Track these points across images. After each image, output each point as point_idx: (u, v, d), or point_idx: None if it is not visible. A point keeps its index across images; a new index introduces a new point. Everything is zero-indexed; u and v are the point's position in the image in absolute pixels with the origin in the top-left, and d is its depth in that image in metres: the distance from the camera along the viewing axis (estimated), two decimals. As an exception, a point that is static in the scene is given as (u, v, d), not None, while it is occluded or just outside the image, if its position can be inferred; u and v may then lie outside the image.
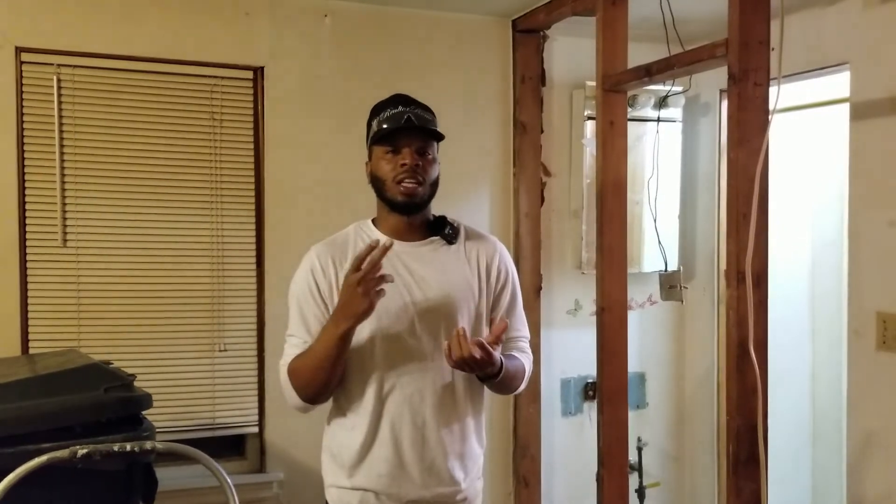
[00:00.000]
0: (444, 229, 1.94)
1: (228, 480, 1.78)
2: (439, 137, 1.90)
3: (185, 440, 2.51)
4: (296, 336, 1.89)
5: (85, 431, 2.07)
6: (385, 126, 1.86)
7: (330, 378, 1.82)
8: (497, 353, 1.78)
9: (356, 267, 1.69)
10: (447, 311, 1.87)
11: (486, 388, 1.96)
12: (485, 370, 1.79)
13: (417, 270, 1.89)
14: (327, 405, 1.95)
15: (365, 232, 1.95)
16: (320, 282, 1.88)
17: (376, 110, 1.92)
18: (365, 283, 1.69)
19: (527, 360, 2.00)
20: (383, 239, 1.83)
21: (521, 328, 2.03)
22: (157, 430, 2.25)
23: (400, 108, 1.87)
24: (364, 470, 1.87)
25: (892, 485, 2.70)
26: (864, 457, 2.79)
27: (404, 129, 1.84)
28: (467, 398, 1.92)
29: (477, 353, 1.70)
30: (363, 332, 1.84)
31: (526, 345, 2.03)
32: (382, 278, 1.70)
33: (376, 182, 1.90)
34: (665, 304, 3.67)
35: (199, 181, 3.02)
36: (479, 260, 1.96)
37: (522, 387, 2.01)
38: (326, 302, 1.88)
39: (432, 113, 1.93)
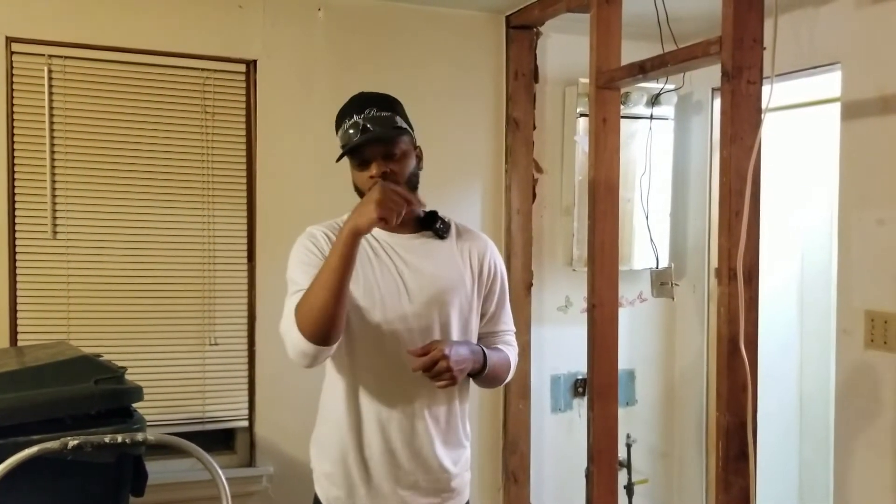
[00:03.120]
0: (435, 224, 1.95)
1: (220, 473, 1.77)
2: (402, 133, 1.86)
3: (175, 434, 2.48)
4: (302, 288, 1.78)
5: (75, 423, 2.06)
6: (344, 143, 1.85)
7: (338, 303, 1.69)
8: (464, 358, 1.82)
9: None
10: (440, 301, 1.88)
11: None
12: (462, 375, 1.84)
13: (411, 261, 1.90)
14: (317, 398, 1.95)
15: None
16: (321, 247, 1.85)
17: (339, 119, 1.90)
18: (394, 196, 1.69)
19: (512, 352, 2.05)
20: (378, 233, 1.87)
21: (508, 322, 2.08)
22: (147, 423, 2.24)
23: (355, 118, 1.84)
24: (354, 458, 1.88)
25: (878, 482, 2.72)
26: (851, 454, 2.81)
27: (362, 144, 1.82)
28: (456, 389, 1.93)
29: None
30: (355, 318, 1.85)
31: (512, 338, 2.08)
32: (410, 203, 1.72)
33: (357, 191, 1.90)
34: (655, 301, 3.68)
35: (190, 175, 3.01)
36: (472, 256, 1.97)
37: (508, 378, 2.06)
38: None
39: (392, 106, 1.88)
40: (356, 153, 1.84)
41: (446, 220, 1.98)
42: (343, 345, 1.84)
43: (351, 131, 1.83)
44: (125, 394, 2.20)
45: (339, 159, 1.87)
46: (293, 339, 1.74)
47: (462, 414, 1.98)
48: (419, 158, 1.94)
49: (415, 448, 1.88)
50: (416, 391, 1.87)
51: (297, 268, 1.85)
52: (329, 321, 1.70)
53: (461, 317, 1.92)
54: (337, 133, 1.90)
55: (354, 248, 1.69)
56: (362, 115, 1.83)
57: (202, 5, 2.98)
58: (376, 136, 1.82)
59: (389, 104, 1.89)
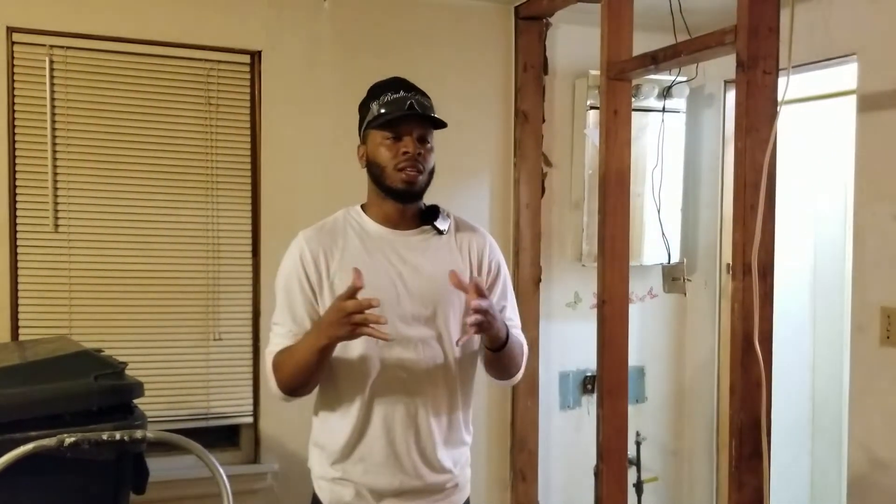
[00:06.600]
0: (435, 219, 1.91)
1: (220, 470, 1.74)
2: (442, 126, 1.86)
3: (179, 430, 2.47)
4: (282, 325, 1.87)
5: (74, 420, 2.03)
6: (385, 111, 1.82)
7: (310, 379, 1.80)
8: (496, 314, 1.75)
9: (350, 294, 1.64)
10: (439, 300, 1.84)
11: (475, 377, 1.95)
12: (492, 329, 1.75)
13: (410, 259, 1.86)
14: (313, 396, 1.91)
15: (354, 218, 1.92)
16: (310, 272, 1.84)
17: (375, 93, 1.87)
18: (353, 316, 1.63)
19: (523, 343, 1.98)
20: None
21: (514, 319, 2.01)
22: (151, 419, 2.22)
23: (402, 93, 1.83)
24: (357, 460, 1.85)
25: (893, 482, 2.66)
26: (866, 452, 2.77)
27: (407, 115, 1.80)
28: (459, 387, 1.90)
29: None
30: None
31: (519, 332, 2.01)
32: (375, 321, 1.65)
33: (374, 168, 1.86)
34: (665, 297, 3.64)
35: (194, 167, 2.97)
36: (471, 251, 1.93)
37: (520, 373, 1.98)
38: (315, 291, 1.84)
39: (430, 100, 1.89)
40: (394, 124, 1.81)
41: (446, 214, 1.95)
42: (344, 349, 1.81)
43: (396, 103, 1.81)
44: (125, 390, 2.17)
45: (376, 124, 1.82)
46: (271, 383, 1.84)
47: (465, 413, 1.94)
48: None
49: (419, 449, 1.85)
50: (418, 392, 1.83)
51: (282, 298, 1.88)
52: (297, 388, 1.81)
53: (462, 315, 1.86)
54: (369, 103, 1.86)
55: (323, 356, 1.74)
56: (410, 94, 1.83)
57: (206, -5, 2.94)
58: (424, 112, 1.82)
59: (429, 98, 1.89)
